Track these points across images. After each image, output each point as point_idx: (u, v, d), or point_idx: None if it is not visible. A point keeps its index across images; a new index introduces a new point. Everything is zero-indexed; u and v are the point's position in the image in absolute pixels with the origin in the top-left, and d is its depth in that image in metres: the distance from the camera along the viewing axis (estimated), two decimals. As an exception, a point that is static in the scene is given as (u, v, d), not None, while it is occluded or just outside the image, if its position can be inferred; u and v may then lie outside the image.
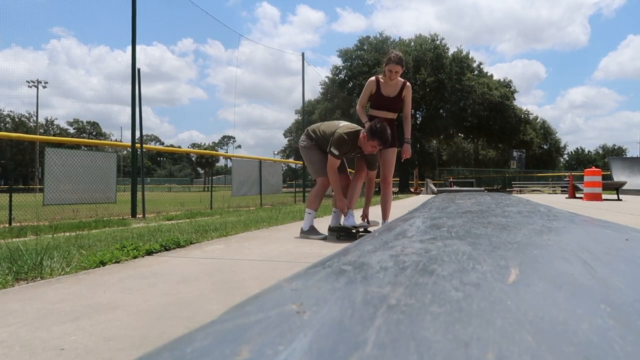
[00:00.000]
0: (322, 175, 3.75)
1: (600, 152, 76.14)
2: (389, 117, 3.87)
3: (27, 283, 2.01)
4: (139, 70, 7.42)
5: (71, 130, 67.76)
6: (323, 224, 4.13)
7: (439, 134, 38.33)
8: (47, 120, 62.01)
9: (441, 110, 36.53)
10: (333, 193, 3.84)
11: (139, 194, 7.33)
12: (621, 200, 10.94)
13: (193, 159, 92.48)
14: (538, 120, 49.94)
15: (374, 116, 3.85)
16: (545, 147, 51.67)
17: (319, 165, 3.78)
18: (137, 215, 7.22)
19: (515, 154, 36.19)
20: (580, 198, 12.04)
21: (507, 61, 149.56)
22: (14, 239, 3.67)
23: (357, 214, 4.06)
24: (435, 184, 26.83)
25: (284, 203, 12.14)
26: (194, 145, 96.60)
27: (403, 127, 4.00)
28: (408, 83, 3.91)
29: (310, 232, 3.70)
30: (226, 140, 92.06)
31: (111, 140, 52.27)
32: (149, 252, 2.77)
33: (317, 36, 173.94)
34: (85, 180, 7.19)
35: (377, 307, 0.55)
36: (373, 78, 3.90)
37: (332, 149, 3.60)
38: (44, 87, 46.63)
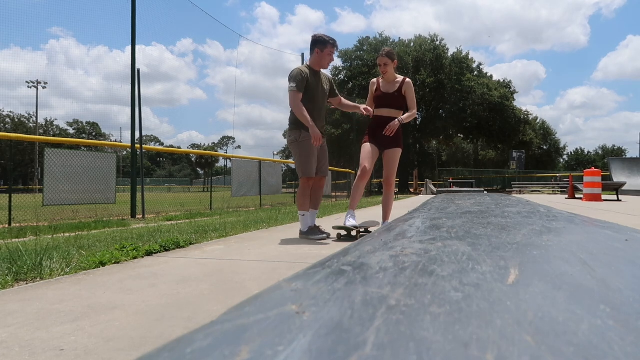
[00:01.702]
0: (303, 174, 3.76)
1: (600, 152, 76.20)
2: (392, 115, 3.90)
3: (27, 284, 2.01)
4: (138, 70, 7.42)
5: (71, 131, 67.83)
6: (323, 225, 4.13)
7: (438, 134, 38.37)
8: (46, 121, 62.05)
9: (441, 111, 36.57)
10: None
11: (138, 195, 7.33)
12: (621, 200, 10.94)
13: (193, 159, 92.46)
14: (538, 121, 50.02)
15: (377, 115, 3.89)
16: (544, 147, 51.72)
17: (298, 161, 3.77)
18: (137, 216, 7.22)
19: (514, 154, 36.20)
20: (580, 199, 12.04)
21: (507, 62, 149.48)
22: (13, 240, 3.67)
23: (359, 215, 4.05)
24: (434, 185, 26.83)
25: (284, 203, 12.13)
26: (193, 145, 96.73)
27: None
28: (408, 79, 3.97)
29: (309, 233, 3.69)
30: (226, 140, 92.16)
31: (111, 141, 52.37)
32: (149, 253, 2.76)
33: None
34: (85, 180, 7.19)
35: (377, 308, 0.55)
36: (374, 79, 4.03)
37: (290, 85, 3.63)
38: (44, 87, 46.68)
